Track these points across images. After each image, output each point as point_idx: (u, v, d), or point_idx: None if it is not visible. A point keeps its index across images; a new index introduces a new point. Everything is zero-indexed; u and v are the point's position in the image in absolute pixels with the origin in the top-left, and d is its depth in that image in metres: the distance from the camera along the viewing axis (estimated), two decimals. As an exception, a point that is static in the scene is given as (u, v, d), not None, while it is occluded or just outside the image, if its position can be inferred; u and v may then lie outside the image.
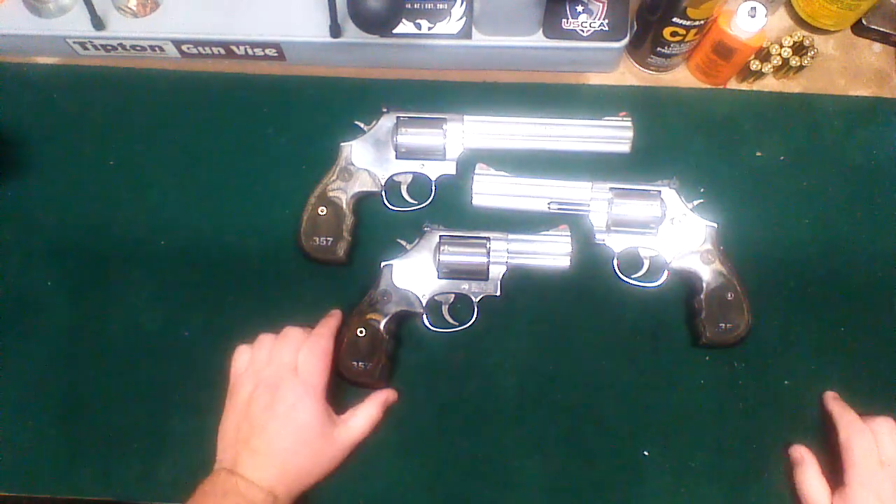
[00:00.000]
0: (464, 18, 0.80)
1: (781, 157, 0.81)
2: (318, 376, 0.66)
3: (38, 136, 0.81)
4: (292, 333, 0.68)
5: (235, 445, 0.64)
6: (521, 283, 0.75)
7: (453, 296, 0.74)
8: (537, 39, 0.80)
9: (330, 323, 0.71)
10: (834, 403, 0.71)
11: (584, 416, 0.73)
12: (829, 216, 0.79)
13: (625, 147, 0.78)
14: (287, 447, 0.64)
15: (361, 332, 0.72)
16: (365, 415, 0.69)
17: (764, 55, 0.81)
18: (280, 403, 0.64)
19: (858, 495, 0.64)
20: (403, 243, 0.75)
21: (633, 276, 0.75)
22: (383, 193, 0.78)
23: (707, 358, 0.75)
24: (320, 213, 0.75)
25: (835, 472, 0.67)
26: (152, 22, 0.81)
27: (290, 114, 0.82)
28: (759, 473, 0.71)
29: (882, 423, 0.67)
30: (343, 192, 0.76)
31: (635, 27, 0.80)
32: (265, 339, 0.69)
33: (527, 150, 0.78)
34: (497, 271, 0.74)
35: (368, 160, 0.77)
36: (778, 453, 0.72)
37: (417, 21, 0.80)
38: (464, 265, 0.73)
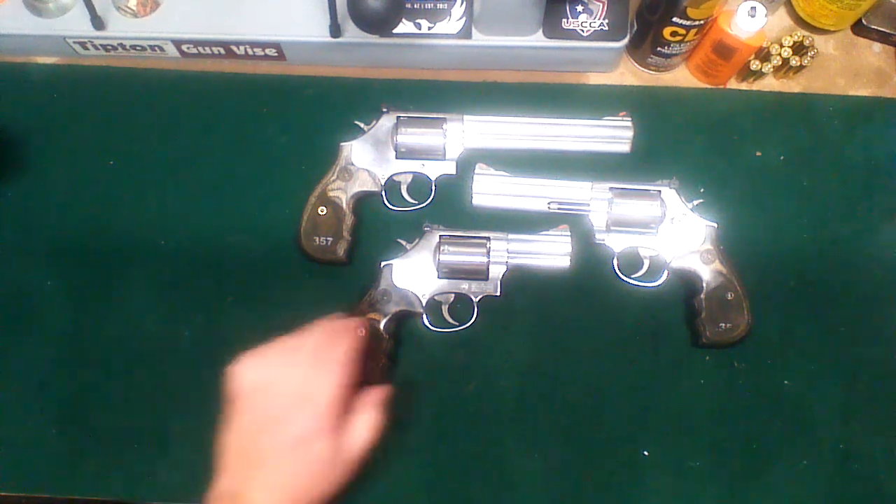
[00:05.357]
0: (464, 18, 0.80)
1: (781, 157, 0.81)
2: (334, 405, 0.60)
3: (38, 136, 0.81)
4: (304, 353, 0.61)
5: (240, 472, 0.60)
6: (521, 283, 0.75)
7: (453, 296, 0.74)
8: (537, 39, 0.80)
9: (348, 340, 0.64)
10: None
11: (584, 416, 0.73)
12: (829, 216, 0.79)
13: (625, 147, 0.78)
14: (299, 482, 0.60)
15: (360, 331, 0.71)
16: (364, 425, 0.63)
17: (764, 55, 0.81)
18: (291, 434, 0.59)
19: None
20: (403, 243, 0.75)
21: (633, 276, 0.75)
22: (383, 193, 0.78)
23: (707, 358, 0.75)
24: (320, 212, 0.75)
25: None
26: (152, 22, 0.81)
27: (290, 114, 0.82)
28: (759, 473, 0.72)
29: None
30: (343, 191, 0.76)
31: (635, 27, 0.80)
32: (273, 357, 0.61)
33: (527, 150, 0.78)
34: (497, 271, 0.74)
35: (368, 160, 0.77)
36: (778, 453, 0.72)
37: (417, 21, 0.80)
38: (464, 265, 0.73)
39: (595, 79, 0.84)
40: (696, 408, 0.73)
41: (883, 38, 0.85)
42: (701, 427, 0.73)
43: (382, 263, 0.74)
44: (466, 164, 0.78)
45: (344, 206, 0.76)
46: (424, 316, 0.73)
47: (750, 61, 0.80)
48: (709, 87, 0.84)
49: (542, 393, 0.74)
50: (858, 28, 0.85)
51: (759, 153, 0.81)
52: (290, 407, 0.60)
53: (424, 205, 0.78)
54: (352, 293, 0.75)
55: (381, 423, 0.64)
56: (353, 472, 0.62)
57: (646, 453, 0.72)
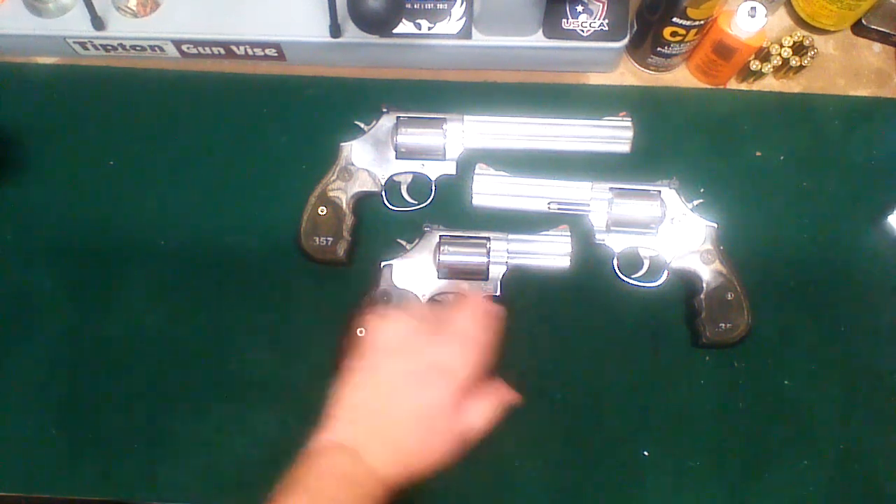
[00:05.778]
0: (464, 18, 0.80)
1: (781, 157, 0.81)
2: (467, 385, 0.60)
3: (38, 136, 0.81)
4: (457, 329, 0.61)
5: (360, 425, 0.59)
6: (521, 283, 0.75)
7: (453, 296, 0.74)
8: (537, 39, 0.80)
9: (494, 325, 0.63)
10: None
11: (584, 416, 0.73)
12: (829, 216, 0.79)
13: (625, 147, 0.78)
14: (416, 448, 0.60)
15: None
16: (481, 412, 0.61)
17: (764, 55, 0.81)
18: (425, 401, 0.59)
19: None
20: (403, 243, 0.75)
21: (633, 276, 0.75)
22: (383, 193, 0.78)
23: (707, 358, 0.75)
24: (320, 213, 0.75)
25: None
26: (152, 22, 0.81)
27: (290, 114, 0.82)
28: (759, 473, 0.72)
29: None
30: (343, 192, 0.76)
31: (635, 27, 0.80)
32: (422, 324, 0.61)
33: (527, 150, 0.78)
34: (497, 271, 0.74)
35: (368, 160, 0.77)
36: (778, 453, 0.72)
37: (417, 21, 0.80)
38: (464, 265, 0.73)
39: (595, 79, 0.84)
40: (696, 408, 0.73)
41: (883, 38, 0.85)
42: (701, 427, 0.73)
43: (382, 264, 0.74)
44: (466, 164, 0.78)
45: (344, 206, 0.76)
46: (424, 316, 0.73)
47: (750, 61, 0.80)
48: (709, 87, 0.84)
49: (542, 393, 0.74)
50: (858, 28, 0.85)
51: (759, 153, 0.81)
52: (432, 377, 0.60)
53: (424, 205, 0.78)
54: (352, 293, 0.75)
55: (495, 419, 0.62)
56: (457, 455, 0.61)
57: (646, 453, 0.72)
